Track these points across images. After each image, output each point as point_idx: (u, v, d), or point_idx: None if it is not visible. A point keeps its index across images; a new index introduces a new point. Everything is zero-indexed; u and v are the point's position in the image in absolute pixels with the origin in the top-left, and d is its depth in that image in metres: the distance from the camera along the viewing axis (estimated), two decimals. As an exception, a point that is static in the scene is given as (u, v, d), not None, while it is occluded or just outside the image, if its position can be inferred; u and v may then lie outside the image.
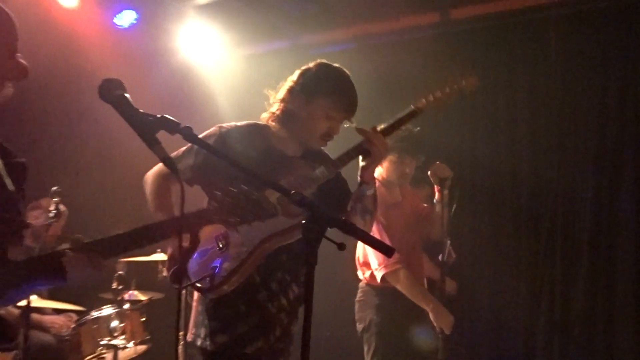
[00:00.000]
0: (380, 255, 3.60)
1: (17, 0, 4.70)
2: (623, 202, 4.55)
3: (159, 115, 1.71)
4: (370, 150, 2.54)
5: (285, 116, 2.57)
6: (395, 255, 3.47)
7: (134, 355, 4.37)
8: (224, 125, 2.58)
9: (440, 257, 4.40)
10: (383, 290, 3.71)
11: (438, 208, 3.70)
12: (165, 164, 1.73)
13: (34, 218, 4.59)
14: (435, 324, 3.58)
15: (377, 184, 3.65)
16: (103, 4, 5.17)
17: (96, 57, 4.97)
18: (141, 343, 4.35)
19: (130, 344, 4.19)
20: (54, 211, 3.77)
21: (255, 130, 2.59)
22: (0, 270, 1.71)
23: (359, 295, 3.91)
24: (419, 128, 3.80)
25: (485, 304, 4.88)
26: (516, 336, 4.87)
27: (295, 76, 2.61)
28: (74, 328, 4.24)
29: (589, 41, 4.78)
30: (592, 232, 4.65)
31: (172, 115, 1.74)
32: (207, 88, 6.04)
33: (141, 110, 1.72)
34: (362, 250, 3.84)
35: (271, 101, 2.63)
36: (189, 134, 1.74)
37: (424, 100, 2.78)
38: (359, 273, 3.91)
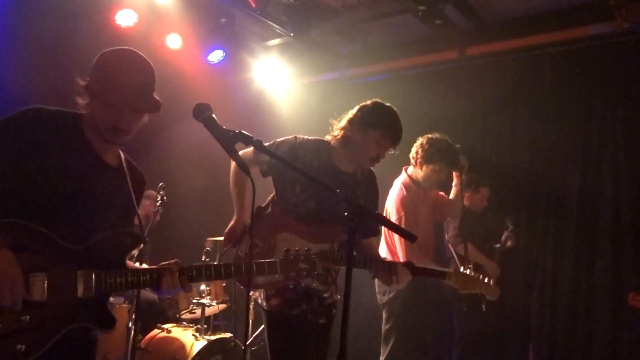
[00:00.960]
0: (405, 252, 3.34)
1: (136, 44, 4.87)
2: (604, 194, 4.45)
3: (237, 131, 1.76)
4: (395, 277, 2.50)
5: (344, 140, 2.56)
6: (416, 251, 3.31)
7: (217, 311, 4.45)
8: (299, 136, 2.60)
9: (503, 239, 4.27)
10: None
11: (457, 191, 3.65)
12: (241, 168, 1.77)
13: (146, 205, 4.78)
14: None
15: (410, 181, 3.55)
16: (199, 45, 5.29)
17: (193, 86, 5.10)
18: (222, 302, 4.42)
19: (214, 303, 4.27)
20: (160, 201, 3.88)
21: (321, 146, 2.59)
22: (119, 277, 1.82)
23: None
24: (458, 145, 3.64)
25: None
26: (515, 302, 4.77)
27: (354, 109, 2.60)
28: (172, 289, 4.34)
29: (577, 71, 4.69)
30: (578, 215, 4.56)
31: (247, 131, 1.78)
32: (274, 109, 6.11)
33: (224, 127, 1.76)
34: (390, 238, 3.54)
35: (334, 127, 2.63)
36: (259, 145, 1.79)
37: (457, 269, 2.64)
38: (383, 250, 3.56)
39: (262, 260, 2.02)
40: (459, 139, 5.09)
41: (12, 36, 4.18)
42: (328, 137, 2.64)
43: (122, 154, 2.04)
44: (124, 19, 4.58)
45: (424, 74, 5.56)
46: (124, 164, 2.01)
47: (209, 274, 1.93)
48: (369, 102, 2.62)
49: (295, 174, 2.42)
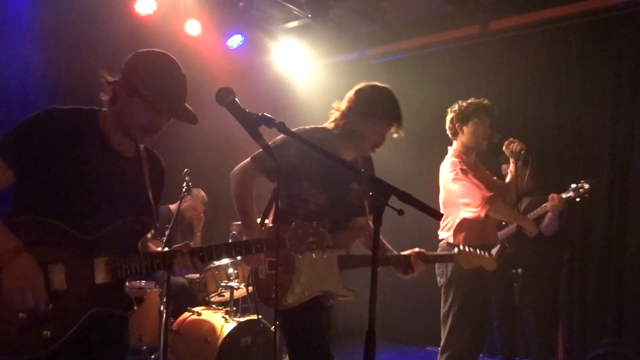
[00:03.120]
0: (476, 198, 3.27)
1: (155, 31, 4.90)
2: (635, 168, 4.36)
3: (260, 114, 1.75)
4: (410, 268, 2.51)
5: (345, 128, 2.48)
6: (487, 196, 3.25)
7: (244, 294, 4.49)
8: (299, 129, 2.45)
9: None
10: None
11: (512, 177, 3.52)
12: (266, 151, 1.77)
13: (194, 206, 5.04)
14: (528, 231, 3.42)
15: (457, 152, 3.48)
16: (218, 31, 5.28)
17: (214, 71, 5.10)
18: (250, 285, 4.45)
19: (242, 286, 4.31)
20: (185, 187, 3.90)
21: (324, 137, 2.46)
22: (133, 262, 1.88)
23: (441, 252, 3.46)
24: (486, 100, 3.53)
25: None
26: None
27: (352, 94, 2.51)
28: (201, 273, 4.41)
29: (605, 43, 4.54)
30: (609, 195, 4.46)
31: (269, 113, 1.77)
32: (295, 91, 6.09)
33: (247, 110, 1.76)
34: (449, 214, 3.44)
35: (334, 114, 2.53)
36: (282, 128, 1.77)
37: (460, 250, 2.71)
38: (441, 234, 3.51)
39: (270, 238, 2.05)
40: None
41: (33, 26, 4.23)
42: (328, 125, 2.53)
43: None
44: (143, 7, 4.59)
45: (446, 51, 5.46)
46: (143, 154, 2.04)
47: (218, 253, 1.99)
48: (366, 87, 2.51)
49: (306, 170, 2.37)
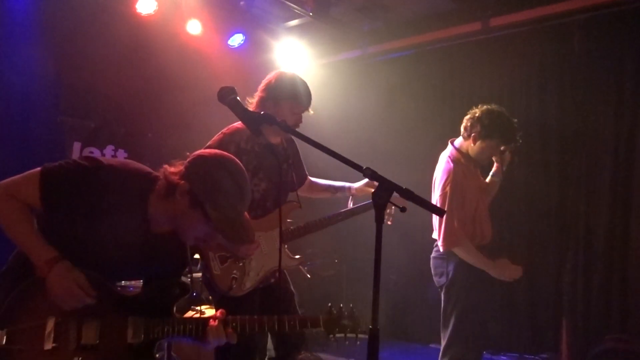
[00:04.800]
0: (443, 233, 3.15)
1: (156, 31, 4.90)
2: (638, 169, 4.30)
3: (262, 113, 1.77)
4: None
5: None
6: (457, 233, 3.11)
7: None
8: (227, 131, 2.69)
9: None
10: None
11: (496, 179, 3.39)
12: (267, 149, 1.79)
13: None
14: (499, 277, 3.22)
15: (458, 155, 3.29)
16: (219, 30, 5.27)
17: (215, 70, 5.11)
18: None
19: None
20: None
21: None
22: (167, 325, 1.89)
23: (438, 252, 3.30)
24: (516, 120, 3.32)
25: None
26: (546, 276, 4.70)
27: (261, 87, 2.76)
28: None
29: (608, 40, 4.49)
30: (610, 188, 4.42)
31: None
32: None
33: (249, 109, 1.77)
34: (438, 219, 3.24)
35: (249, 106, 2.75)
36: (283, 126, 1.79)
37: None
38: (436, 234, 3.30)
39: (304, 316, 2.05)
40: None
41: (34, 26, 4.23)
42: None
43: None
44: (144, 7, 4.59)
45: (447, 48, 5.44)
46: None
47: (252, 327, 1.96)
48: (272, 77, 2.75)
49: (245, 164, 2.59)
